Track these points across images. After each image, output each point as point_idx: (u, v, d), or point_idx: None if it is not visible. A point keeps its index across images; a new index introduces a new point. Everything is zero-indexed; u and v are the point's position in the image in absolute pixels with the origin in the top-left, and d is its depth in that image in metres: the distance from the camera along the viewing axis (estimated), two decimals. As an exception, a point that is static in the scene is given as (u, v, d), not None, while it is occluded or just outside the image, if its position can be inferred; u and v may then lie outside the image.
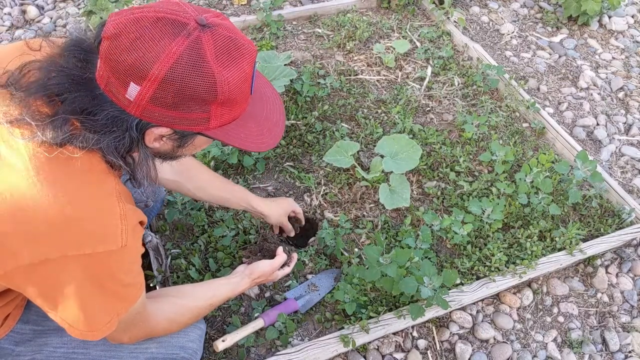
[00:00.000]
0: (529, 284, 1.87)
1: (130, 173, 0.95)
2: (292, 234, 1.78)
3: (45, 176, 0.85)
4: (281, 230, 1.81)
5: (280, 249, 1.48)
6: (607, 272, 1.95)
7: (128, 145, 0.90)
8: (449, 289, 1.71)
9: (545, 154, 2.11)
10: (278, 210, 1.70)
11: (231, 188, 1.63)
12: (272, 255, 1.48)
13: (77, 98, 0.86)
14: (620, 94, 2.67)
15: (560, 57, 2.87)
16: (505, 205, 1.96)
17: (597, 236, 1.96)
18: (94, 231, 0.87)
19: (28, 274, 0.88)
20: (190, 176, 1.52)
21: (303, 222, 1.82)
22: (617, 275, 1.94)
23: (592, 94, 2.66)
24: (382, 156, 1.95)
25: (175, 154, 1.00)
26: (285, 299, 1.69)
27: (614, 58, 2.92)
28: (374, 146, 2.11)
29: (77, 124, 0.86)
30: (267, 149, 1.02)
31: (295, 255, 1.56)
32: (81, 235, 0.86)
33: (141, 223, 0.98)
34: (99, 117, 0.86)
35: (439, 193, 2.05)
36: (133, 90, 0.84)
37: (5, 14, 2.83)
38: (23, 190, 0.84)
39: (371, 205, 2.00)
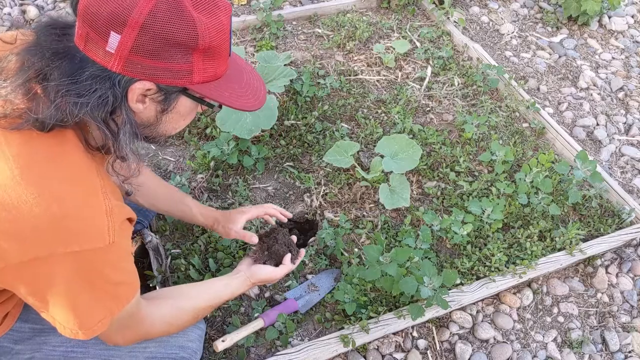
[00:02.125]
0: (529, 284, 1.87)
1: (113, 140, 0.93)
2: (254, 240, 1.48)
3: (30, 174, 0.85)
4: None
5: (287, 258, 1.45)
6: (607, 272, 1.95)
7: (111, 105, 0.88)
8: (449, 289, 1.71)
9: (545, 154, 2.11)
10: (225, 223, 1.52)
11: (179, 204, 1.53)
12: (278, 257, 1.46)
13: (59, 67, 0.86)
14: (620, 94, 2.67)
15: (560, 57, 2.87)
16: (505, 205, 1.96)
17: (597, 236, 1.96)
18: (81, 228, 0.86)
19: (18, 273, 0.87)
20: (143, 192, 1.44)
21: (279, 215, 1.61)
22: (617, 275, 1.94)
23: (592, 94, 2.66)
24: (382, 156, 1.95)
25: (158, 124, 0.98)
26: (285, 299, 1.69)
27: (614, 58, 2.92)
28: (374, 146, 2.11)
29: (62, 93, 0.86)
30: (251, 109, 1.02)
31: (302, 251, 1.53)
32: (68, 233, 0.85)
33: (130, 220, 0.97)
34: (82, 79, 0.86)
35: (439, 193, 2.05)
36: (114, 40, 0.84)
37: (5, 14, 2.83)
38: (7, 190, 0.83)
39: (371, 205, 2.00)
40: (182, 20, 0.85)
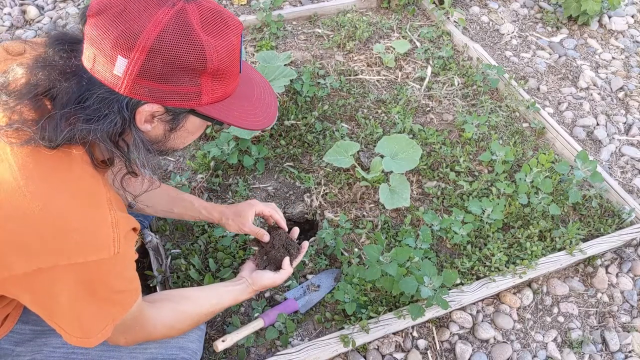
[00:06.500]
0: (529, 284, 1.87)
1: (125, 159, 0.93)
2: (266, 239, 1.48)
3: (36, 186, 0.84)
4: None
5: (286, 262, 1.44)
6: (607, 272, 1.95)
7: (120, 127, 0.88)
8: (449, 289, 1.71)
9: (545, 154, 2.11)
10: (235, 217, 1.49)
11: (178, 200, 1.50)
12: (277, 262, 1.46)
13: (67, 88, 0.85)
14: (620, 94, 2.67)
15: (560, 57, 2.87)
16: (505, 205, 1.96)
17: (597, 236, 1.96)
18: (86, 240, 0.86)
19: (22, 283, 0.88)
20: (142, 197, 1.35)
21: (282, 224, 1.55)
22: (617, 275, 1.94)
23: (592, 94, 2.66)
24: (382, 156, 1.95)
25: (167, 141, 0.98)
26: (285, 299, 1.69)
27: (614, 58, 2.92)
28: (374, 146, 2.11)
29: (72, 119, 0.85)
30: (262, 127, 1.01)
31: (305, 244, 1.52)
32: (73, 245, 0.85)
33: (134, 230, 0.97)
34: (90, 102, 0.85)
35: (439, 193, 2.05)
36: (121, 64, 0.83)
37: (5, 14, 2.83)
38: (13, 202, 0.83)
39: (371, 205, 2.00)
40: (190, 44, 0.83)
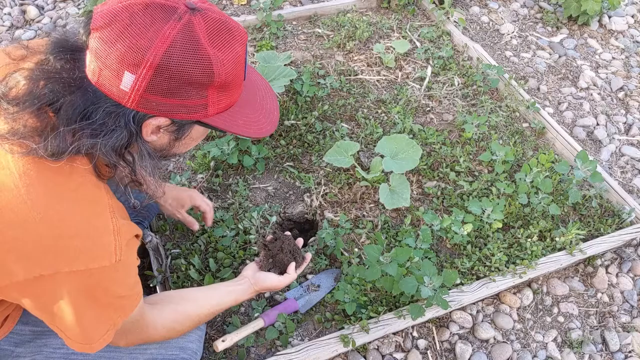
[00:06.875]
0: (529, 284, 1.87)
1: (131, 171, 0.93)
2: (196, 228, 1.62)
3: (37, 194, 0.84)
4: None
5: (292, 267, 1.44)
6: (607, 272, 1.95)
7: (126, 140, 0.87)
8: (449, 289, 1.71)
9: (545, 154, 2.11)
10: (174, 201, 1.58)
11: None
12: (282, 265, 1.46)
13: (72, 101, 0.84)
14: (620, 94, 2.67)
15: (560, 57, 2.87)
16: (505, 205, 1.96)
17: (597, 236, 1.96)
18: (87, 248, 0.86)
19: (23, 289, 0.87)
20: None
21: (209, 222, 1.69)
22: (617, 275, 1.94)
23: (592, 94, 2.66)
24: (382, 156, 1.95)
25: (171, 149, 0.98)
26: (285, 299, 1.69)
27: (614, 58, 2.92)
28: (374, 146, 2.11)
29: (78, 134, 0.84)
30: (266, 134, 1.02)
31: (308, 256, 1.53)
32: (74, 252, 0.85)
33: (137, 236, 0.97)
34: (96, 117, 0.84)
35: (439, 193, 2.05)
36: (128, 80, 0.82)
37: (5, 14, 2.83)
38: (14, 209, 0.83)
39: (371, 205, 2.00)
40: (198, 59, 0.83)
